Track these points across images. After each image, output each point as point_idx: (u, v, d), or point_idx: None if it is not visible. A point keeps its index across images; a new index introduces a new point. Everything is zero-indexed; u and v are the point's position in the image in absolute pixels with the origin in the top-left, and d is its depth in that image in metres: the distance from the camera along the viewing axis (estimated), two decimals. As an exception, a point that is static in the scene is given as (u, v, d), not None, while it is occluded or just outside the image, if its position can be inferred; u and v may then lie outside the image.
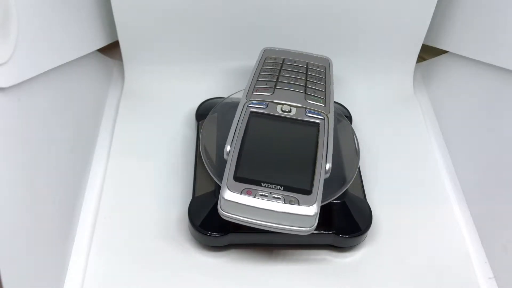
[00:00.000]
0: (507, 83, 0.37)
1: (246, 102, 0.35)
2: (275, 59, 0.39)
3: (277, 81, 0.36)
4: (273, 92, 0.35)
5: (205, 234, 0.33)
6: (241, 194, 0.29)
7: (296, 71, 0.37)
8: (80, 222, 0.35)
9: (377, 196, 0.37)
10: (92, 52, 0.42)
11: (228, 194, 0.29)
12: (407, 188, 0.38)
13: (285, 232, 0.29)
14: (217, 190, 0.33)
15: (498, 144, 0.37)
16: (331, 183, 0.34)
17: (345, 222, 0.34)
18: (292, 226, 0.29)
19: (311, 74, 0.37)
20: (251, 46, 0.44)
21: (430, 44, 0.46)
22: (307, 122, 0.33)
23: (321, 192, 0.30)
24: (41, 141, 0.32)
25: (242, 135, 0.32)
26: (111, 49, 0.46)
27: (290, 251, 0.34)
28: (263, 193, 0.29)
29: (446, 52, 0.46)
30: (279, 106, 0.34)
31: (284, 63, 0.38)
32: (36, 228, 0.30)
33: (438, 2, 0.41)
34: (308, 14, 0.42)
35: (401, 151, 0.41)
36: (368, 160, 0.39)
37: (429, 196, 0.38)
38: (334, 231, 0.33)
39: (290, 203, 0.29)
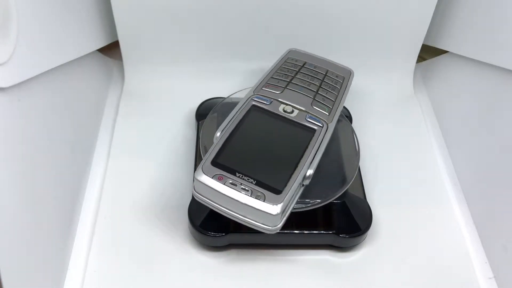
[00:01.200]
0: (507, 83, 0.37)
1: (253, 95, 0.35)
2: (296, 60, 0.39)
3: (290, 82, 0.36)
4: (282, 91, 0.35)
5: (205, 234, 0.33)
6: (212, 178, 0.30)
7: (312, 76, 0.37)
8: (80, 222, 0.35)
9: (377, 196, 0.37)
10: (92, 52, 0.42)
11: (200, 176, 0.30)
12: (407, 188, 0.38)
13: (251, 227, 0.30)
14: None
15: (498, 144, 0.37)
16: (331, 183, 0.34)
17: (345, 222, 0.34)
18: (256, 222, 0.29)
19: (327, 82, 0.37)
20: (251, 46, 0.44)
21: (430, 44, 0.46)
22: (304, 126, 0.33)
23: (294, 195, 0.30)
24: (41, 141, 0.32)
25: (235, 124, 0.33)
26: (111, 49, 0.46)
27: (290, 251, 0.34)
28: (233, 182, 0.29)
29: (446, 52, 0.46)
30: (282, 106, 0.34)
31: (304, 66, 0.38)
32: (36, 228, 0.30)
33: (438, 2, 0.41)
34: (308, 14, 0.42)
35: (401, 151, 0.41)
36: (368, 160, 0.39)
37: (429, 196, 0.38)
38: (334, 231, 0.33)
39: (256, 198, 0.29)
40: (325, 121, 0.34)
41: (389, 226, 0.36)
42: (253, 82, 0.37)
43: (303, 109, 0.34)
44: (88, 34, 0.41)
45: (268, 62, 0.43)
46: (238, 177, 0.30)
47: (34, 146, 0.31)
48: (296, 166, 0.31)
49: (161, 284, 0.32)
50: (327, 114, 0.34)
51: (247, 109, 0.34)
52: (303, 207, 0.32)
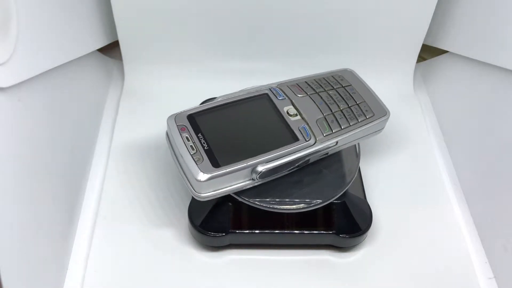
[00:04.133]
0: (507, 83, 0.37)
1: (274, 86, 0.35)
2: (342, 80, 0.37)
3: (317, 93, 0.35)
4: (303, 97, 0.35)
5: (205, 234, 0.33)
6: (177, 125, 0.32)
7: (343, 99, 0.35)
8: (80, 222, 0.35)
9: (377, 196, 0.37)
10: (92, 52, 0.42)
11: (170, 120, 0.33)
12: (407, 188, 0.38)
13: (185, 183, 0.31)
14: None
15: (498, 144, 0.37)
16: (331, 184, 0.34)
17: (345, 222, 0.34)
18: (187, 180, 0.31)
19: (352, 110, 0.35)
20: (251, 46, 0.44)
21: (430, 44, 0.46)
22: (291, 131, 0.33)
23: (233, 180, 0.31)
24: (41, 141, 0.32)
25: (235, 99, 0.34)
26: (111, 49, 0.46)
27: (290, 251, 0.34)
28: (189, 138, 0.31)
29: (446, 52, 0.46)
30: (290, 107, 0.34)
31: (344, 87, 0.36)
32: (36, 228, 0.30)
33: (438, 2, 0.41)
34: (308, 15, 0.42)
35: (401, 151, 0.41)
36: (368, 160, 0.39)
37: (429, 196, 0.38)
38: (334, 231, 0.33)
39: (193, 158, 0.30)
40: (314, 138, 0.32)
41: (389, 226, 0.36)
42: (253, 82, 0.37)
43: (305, 118, 0.34)
44: (88, 34, 0.41)
45: (268, 62, 0.43)
46: (198, 137, 0.31)
47: (34, 146, 0.31)
48: (252, 157, 0.31)
49: (161, 284, 0.32)
50: (323, 135, 0.33)
51: (258, 93, 0.35)
52: (303, 207, 0.32)
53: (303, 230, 0.33)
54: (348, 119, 0.34)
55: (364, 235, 0.34)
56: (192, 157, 0.30)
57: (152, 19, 0.42)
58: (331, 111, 0.34)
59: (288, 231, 0.33)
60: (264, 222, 0.33)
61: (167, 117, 0.33)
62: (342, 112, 0.34)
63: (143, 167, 0.38)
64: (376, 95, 0.37)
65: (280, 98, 0.35)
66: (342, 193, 0.33)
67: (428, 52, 0.48)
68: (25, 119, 0.30)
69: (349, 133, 0.33)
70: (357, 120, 0.34)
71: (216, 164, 0.30)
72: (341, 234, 0.33)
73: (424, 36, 0.44)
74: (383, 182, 0.38)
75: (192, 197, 0.34)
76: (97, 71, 0.44)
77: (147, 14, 0.41)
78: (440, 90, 0.46)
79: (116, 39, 0.44)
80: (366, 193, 0.36)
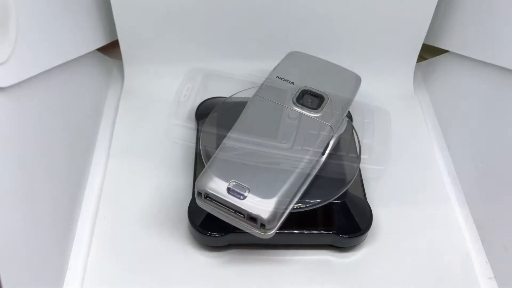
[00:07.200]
0: (508, 83, 0.37)
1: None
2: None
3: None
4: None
5: (205, 234, 0.33)
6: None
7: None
8: (80, 222, 0.35)
9: (377, 196, 0.37)
10: (92, 52, 0.42)
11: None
12: (407, 188, 0.38)
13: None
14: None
15: (498, 144, 0.37)
16: (331, 183, 0.34)
17: (345, 222, 0.34)
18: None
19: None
20: (251, 46, 0.44)
21: (430, 43, 0.46)
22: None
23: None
24: (40, 140, 0.32)
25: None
26: (111, 49, 0.46)
27: (290, 251, 0.34)
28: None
29: (446, 51, 0.46)
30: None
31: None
32: (36, 228, 0.30)
33: (438, 1, 0.41)
34: (308, 14, 0.42)
35: (401, 151, 0.41)
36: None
37: (429, 196, 0.38)
38: (334, 231, 0.33)
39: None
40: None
41: (389, 226, 0.36)
42: (252, 82, 0.37)
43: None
44: (87, 33, 0.41)
45: (268, 62, 0.43)
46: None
47: (34, 146, 0.31)
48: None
49: (161, 284, 0.32)
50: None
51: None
52: (303, 207, 0.32)
53: (303, 230, 0.33)
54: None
55: (364, 235, 0.34)
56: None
57: (152, 19, 0.42)
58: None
59: (288, 231, 0.33)
60: (264, 222, 0.33)
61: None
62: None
63: (143, 167, 0.38)
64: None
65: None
66: (342, 193, 0.33)
67: (428, 52, 0.48)
68: (25, 119, 0.30)
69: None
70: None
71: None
72: (341, 234, 0.33)
73: (424, 36, 0.44)
74: (383, 182, 0.38)
75: (192, 197, 0.34)
76: (97, 71, 0.44)
77: (147, 14, 0.41)
78: (440, 90, 0.46)
79: (116, 39, 0.43)
80: (366, 193, 0.36)
